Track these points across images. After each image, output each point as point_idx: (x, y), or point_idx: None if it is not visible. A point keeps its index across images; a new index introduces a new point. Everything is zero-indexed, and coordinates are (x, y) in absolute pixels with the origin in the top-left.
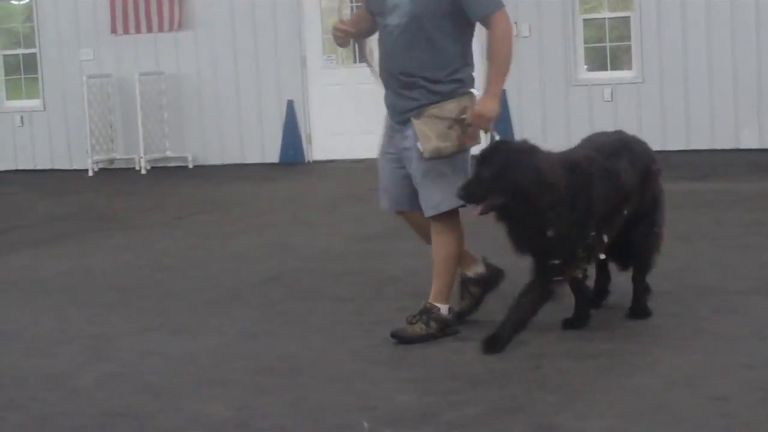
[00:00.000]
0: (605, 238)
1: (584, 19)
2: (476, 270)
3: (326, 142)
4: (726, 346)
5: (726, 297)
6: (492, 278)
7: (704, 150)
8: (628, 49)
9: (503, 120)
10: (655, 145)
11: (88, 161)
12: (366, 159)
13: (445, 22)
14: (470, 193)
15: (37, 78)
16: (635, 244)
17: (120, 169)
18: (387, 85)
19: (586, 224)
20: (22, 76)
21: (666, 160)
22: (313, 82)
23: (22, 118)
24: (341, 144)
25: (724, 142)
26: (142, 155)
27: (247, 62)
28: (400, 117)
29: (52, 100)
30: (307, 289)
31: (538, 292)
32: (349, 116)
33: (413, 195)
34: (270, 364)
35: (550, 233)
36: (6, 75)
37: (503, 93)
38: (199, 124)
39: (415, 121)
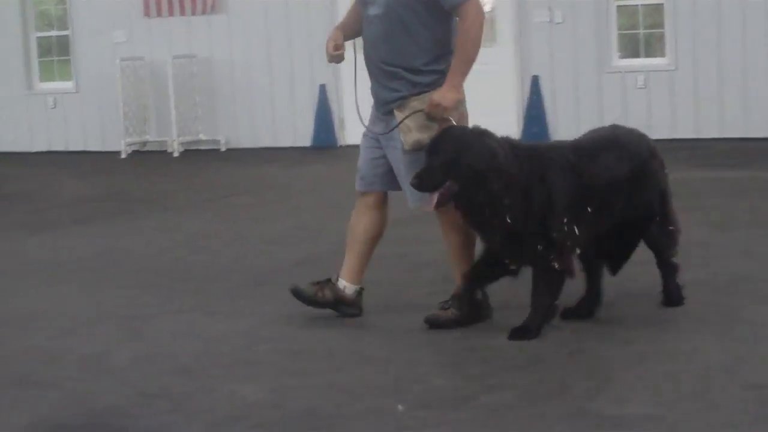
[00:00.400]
0: (575, 230)
1: (618, 6)
2: (351, 287)
3: (359, 126)
4: (763, 334)
5: (762, 285)
6: (350, 306)
7: (738, 138)
8: (662, 36)
9: (536, 107)
10: (688, 133)
11: (121, 143)
12: None
13: (421, 10)
14: (423, 182)
15: (69, 60)
16: (652, 245)
17: (153, 151)
18: (371, 74)
19: (550, 212)
20: (55, 58)
21: (699, 148)
22: (345, 66)
23: (54, 99)
24: None
25: (758, 130)
26: (174, 138)
27: (279, 46)
28: (384, 108)
29: (85, 83)
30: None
31: (545, 277)
32: None
33: (385, 176)
34: (303, 347)
35: (508, 219)
36: (39, 57)
37: (535, 79)
38: (231, 107)
39: (397, 113)
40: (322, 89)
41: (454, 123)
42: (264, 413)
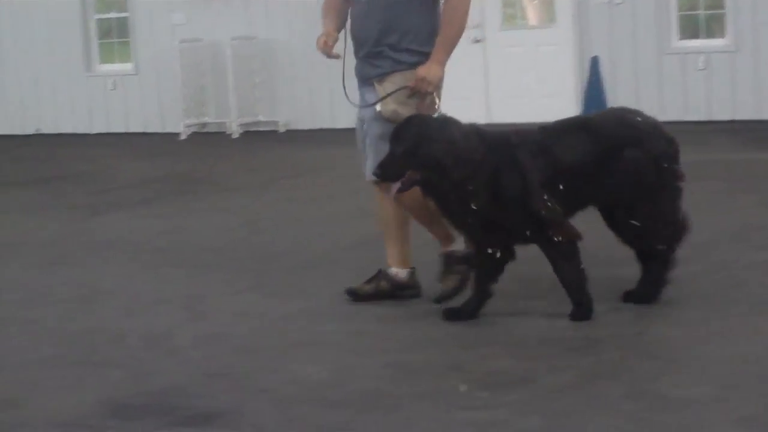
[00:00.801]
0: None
1: None
2: (402, 271)
3: None
4: None
5: None
6: (410, 288)
7: None
8: (722, 17)
9: (595, 89)
10: (748, 114)
11: (180, 125)
12: None
13: None
14: (386, 171)
15: (129, 42)
16: (627, 236)
17: (212, 133)
18: (356, 53)
19: (528, 194)
20: (115, 40)
21: (759, 130)
22: None
23: (114, 82)
24: None
25: None
26: (233, 119)
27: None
28: (365, 82)
29: (144, 64)
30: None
31: (555, 253)
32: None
33: None
34: (364, 327)
35: (473, 206)
36: (99, 39)
37: (595, 60)
38: (290, 88)
39: (377, 85)
40: None
41: (437, 99)
42: (326, 393)
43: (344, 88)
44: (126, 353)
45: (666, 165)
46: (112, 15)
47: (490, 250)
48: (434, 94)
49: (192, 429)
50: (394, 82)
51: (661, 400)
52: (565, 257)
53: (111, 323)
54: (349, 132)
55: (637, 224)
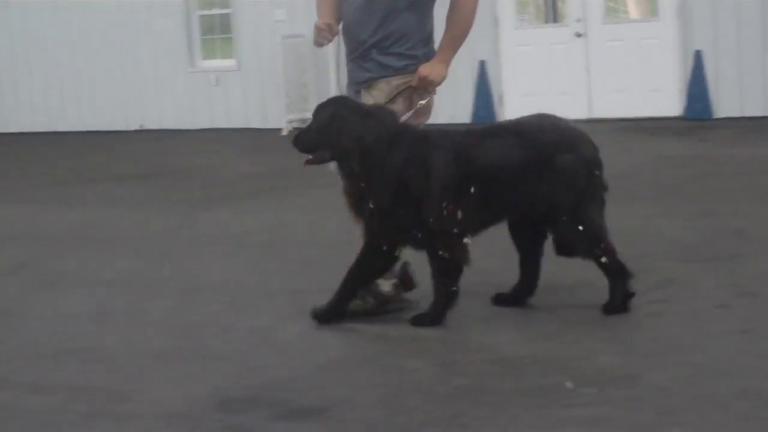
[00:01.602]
0: (458, 215)
1: None
2: (385, 283)
3: (518, 103)
4: None
5: None
6: (393, 302)
7: None
8: None
9: (699, 84)
10: None
11: (282, 120)
12: None
13: None
14: (301, 142)
15: (231, 38)
16: (558, 245)
17: None
18: (347, 53)
19: (427, 197)
20: (217, 36)
21: None
22: (505, 43)
23: (216, 77)
24: (533, 105)
25: None
26: None
27: (438, 22)
28: (354, 87)
29: (247, 60)
30: (503, 250)
31: (438, 264)
32: (541, 77)
33: None
34: (468, 323)
35: (370, 204)
36: (202, 35)
37: (698, 54)
38: None
39: (363, 94)
40: (482, 65)
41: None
42: (432, 387)
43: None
44: (232, 347)
45: (597, 172)
46: (215, 11)
47: (384, 247)
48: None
49: (298, 422)
50: (381, 89)
51: None
52: (443, 272)
53: (217, 317)
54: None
55: (581, 229)
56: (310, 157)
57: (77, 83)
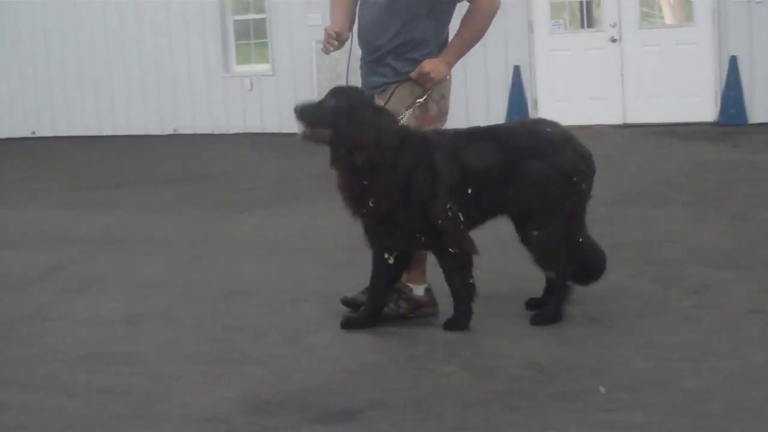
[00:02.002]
0: (460, 217)
1: None
2: (418, 288)
3: (552, 108)
4: None
5: None
6: (426, 306)
7: None
8: None
9: (734, 89)
10: None
11: None
12: (593, 125)
13: (428, 1)
14: (306, 112)
15: (266, 43)
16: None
17: None
18: (362, 59)
19: (433, 198)
20: (252, 41)
21: None
22: (539, 48)
23: (251, 82)
24: (567, 110)
25: None
26: None
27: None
28: (368, 92)
29: (281, 65)
30: None
31: (449, 263)
32: (575, 82)
33: None
34: (500, 326)
35: (370, 203)
36: (236, 40)
37: (734, 59)
38: None
39: (377, 99)
40: (516, 70)
41: (437, 102)
42: (464, 392)
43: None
44: (266, 350)
45: (574, 179)
46: (250, 16)
47: (386, 255)
48: (441, 100)
49: (331, 426)
50: (396, 95)
51: None
52: (457, 268)
53: (251, 320)
54: None
55: (535, 235)
56: (307, 132)
57: (112, 88)
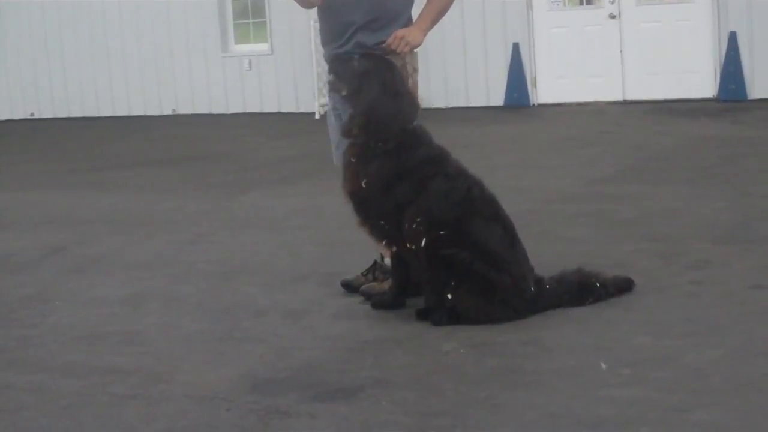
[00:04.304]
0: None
1: None
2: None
3: (551, 85)
4: None
5: None
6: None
7: None
8: None
9: (733, 64)
10: None
11: (314, 104)
12: (592, 102)
13: None
14: (335, 63)
15: (265, 22)
16: None
17: None
18: (332, 39)
19: (409, 206)
20: (251, 21)
21: None
22: (538, 25)
23: (250, 62)
24: (566, 87)
25: None
26: None
27: (472, 4)
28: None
29: (280, 45)
30: (539, 231)
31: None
32: (574, 59)
33: None
34: None
35: (362, 184)
36: (234, 19)
37: (733, 35)
38: (423, 67)
39: None
40: (515, 48)
41: (410, 75)
42: (466, 369)
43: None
44: (267, 329)
45: None
46: None
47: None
48: (413, 73)
49: (332, 404)
50: None
51: None
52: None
53: (251, 299)
54: (484, 110)
55: None
56: (332, 80)
57: (111, 68)
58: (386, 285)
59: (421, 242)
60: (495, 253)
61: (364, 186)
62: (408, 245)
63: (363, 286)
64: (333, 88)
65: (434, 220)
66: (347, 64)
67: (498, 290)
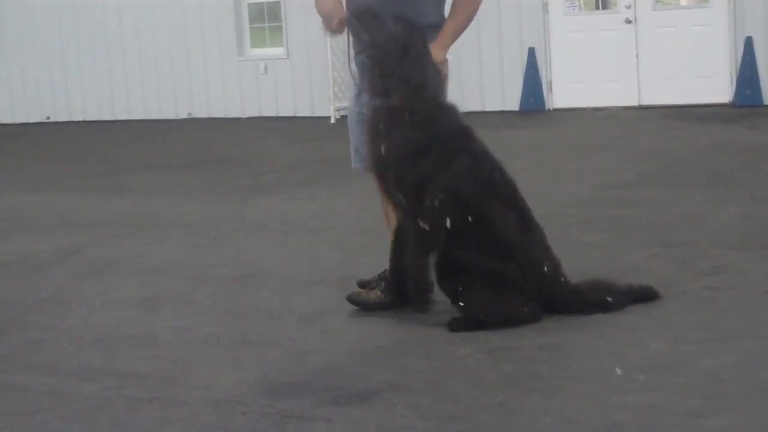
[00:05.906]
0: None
1: None
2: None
3: (567, 90)
4: None
5: None
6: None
7: None
8: None
9: (750, 70)
10: None
11: (330, 108)
12: (608, 107)
13: None
14: (364, 16)
15: (281, 26)
16: None
17: None
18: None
19: (432, 181)
20: (266, 25)
21: None
22: (554, 29)
23: (266, 66)
24: (582, 92)
25: None
26: None
27: (487, 8)
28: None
29: (295, 49)
30: (555, 235)
31: (415, 234)
32: (590, 63)
33: None
34: None
35: (382, 149)
36: (250, 23)
37: (749, 40)
38: None
39: None
40: (531, 52)
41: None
42: (480, 374)
43: (350, 70)
44: (282, 333)
45: None
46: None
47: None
48: (445, 79)
49: (347, 408)
50: None
51: None
52: (417, 244)
53: (267, 303)
54: (499, 115)
55: None
56: (353, 21)
57: (127, 72)
58: (373, 295)
59: (444, 220)
60: (504, 241)
61: (385, 153)
62: (422, 222)
63: (349, 294)
64: (356, 32)
65: (456, 199)
66: (377, 20)
67: (507, 279)
